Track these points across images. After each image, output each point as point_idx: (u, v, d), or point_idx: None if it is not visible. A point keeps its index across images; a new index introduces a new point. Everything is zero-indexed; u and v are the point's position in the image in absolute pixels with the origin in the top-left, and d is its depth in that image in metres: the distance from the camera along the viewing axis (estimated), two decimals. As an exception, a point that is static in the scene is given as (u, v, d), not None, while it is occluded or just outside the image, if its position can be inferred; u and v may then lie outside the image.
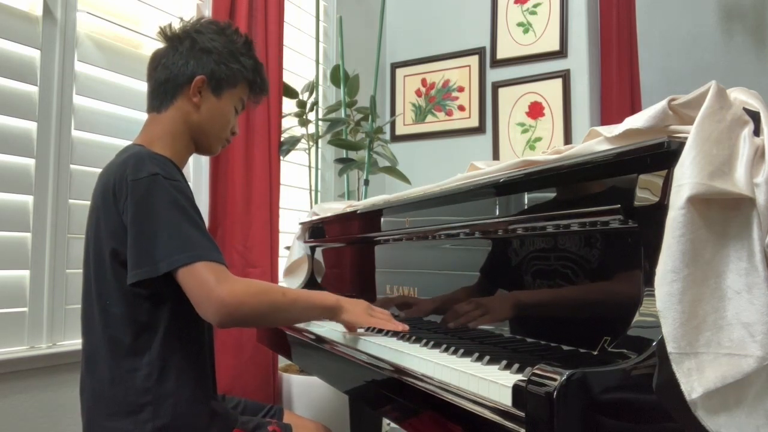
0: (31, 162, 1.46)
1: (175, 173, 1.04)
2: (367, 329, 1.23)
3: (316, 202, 2.25)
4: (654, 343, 0.64)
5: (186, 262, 0.95)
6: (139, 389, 1.00)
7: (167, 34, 1.17)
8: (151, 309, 1.02)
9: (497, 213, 1.01)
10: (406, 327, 1.14)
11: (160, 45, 1.18)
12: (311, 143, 2.27)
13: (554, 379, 0.59)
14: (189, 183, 1.15)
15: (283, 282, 1.89)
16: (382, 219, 1.36)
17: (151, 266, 0.96)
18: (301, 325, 1.40)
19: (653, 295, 0.66)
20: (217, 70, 1.14)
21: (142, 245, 0.97)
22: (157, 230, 0.97)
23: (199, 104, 1.14)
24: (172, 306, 1.03)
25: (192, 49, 1.13)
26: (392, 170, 2.30)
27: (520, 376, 0.70)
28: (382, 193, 1.80)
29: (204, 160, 1.92)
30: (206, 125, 1.16)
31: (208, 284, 0.95)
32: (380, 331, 1.19)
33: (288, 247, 1.93)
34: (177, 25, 1.18)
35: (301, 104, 2.20)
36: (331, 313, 1.14)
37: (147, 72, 1.18)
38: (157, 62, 1.16)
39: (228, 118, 1.19)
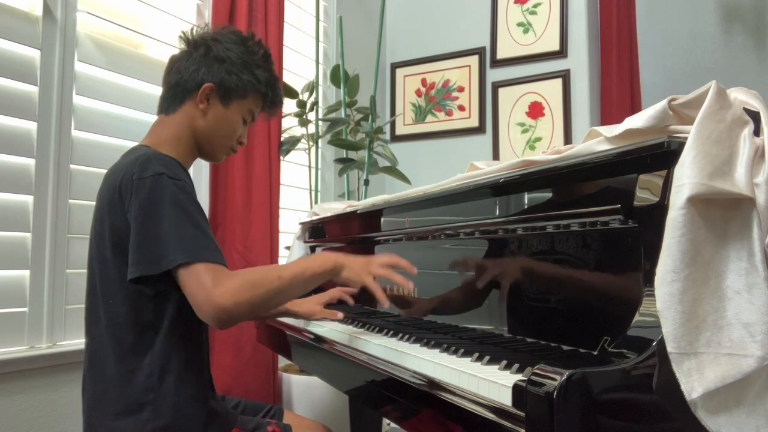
0: (31, 162, 1.47)
1: (181, 173, 1.05)
2: (367, 328, 1.23)
3: (316, 202, 2.25)
4: (654, 343, 0.64)
5: (185, 261, 0.95)
6: (140, 388, 1.00)
7: (188, 39, 1.19)
8: (155, 308, 1.02)
9: (497, 213, 1.01)
10: (410, 285, 1.10)
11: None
12: (311, 143, 2.27)
13: (554, 379, 0.59)
14: (189, 183, 1.15)
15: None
16: (382, 219, 1.36)
17: (151, 263, 0.96)
18: (301, 325, 1.40)
19: (653, 295, 0.66)
20: (227, 80, 1.15)
21: (144, 242, 0.98)
22: (159, 228, 0.97)
23: (206, 111, 1.15)
24: (175, 305, 1.03)
25: (205, 56, 1.15)
26: (392, 170, 2.30)
27: (520, 376, 0.70)
28: (382, 193, 1.80)
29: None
30: (211, 132, 1.17)
31: (205, 286, 0.94)
32: (380, 330, 1.19)
33: (288, 247, 1.93)
34: (199, 31, 1.20)
35: (301, 104, 2.20)
36: (333, 274, 1.11)
37: (163, 73, 1.20)
38: (171, 65, 1.18)
39: (234, 128, 1.20)
